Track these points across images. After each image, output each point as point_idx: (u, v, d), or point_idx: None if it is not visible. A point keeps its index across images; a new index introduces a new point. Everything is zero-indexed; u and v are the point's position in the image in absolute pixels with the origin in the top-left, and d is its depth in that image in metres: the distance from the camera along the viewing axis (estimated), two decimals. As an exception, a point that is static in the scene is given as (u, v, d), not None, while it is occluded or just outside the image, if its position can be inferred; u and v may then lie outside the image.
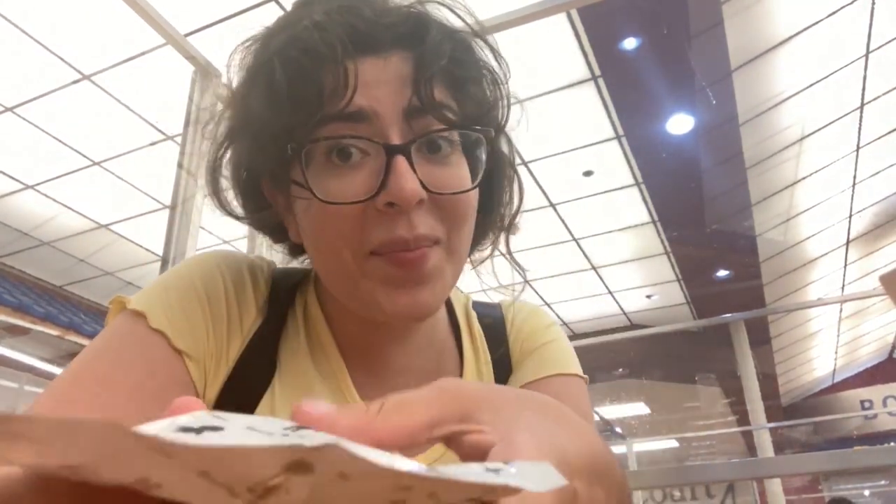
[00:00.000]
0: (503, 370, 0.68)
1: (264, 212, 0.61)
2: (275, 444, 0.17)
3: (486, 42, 0.60)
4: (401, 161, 0.50)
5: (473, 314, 0.71)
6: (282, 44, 0.54)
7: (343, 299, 0.58)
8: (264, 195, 0.61)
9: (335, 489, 0.18)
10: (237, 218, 0.64)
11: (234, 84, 0.59)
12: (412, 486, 0.18)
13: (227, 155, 0.62)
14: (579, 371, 0.67)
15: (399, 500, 0.19)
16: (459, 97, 0.56)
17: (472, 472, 0.19)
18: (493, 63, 0.60)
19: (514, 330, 0.70)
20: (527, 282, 0.66)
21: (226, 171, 0.62)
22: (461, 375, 0.66)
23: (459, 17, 0.58)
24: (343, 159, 0.52)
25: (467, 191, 0.55)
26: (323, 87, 0.51)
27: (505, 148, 0.63)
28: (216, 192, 0.62)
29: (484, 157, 0.57)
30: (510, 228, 0.66)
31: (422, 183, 0.51)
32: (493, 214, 0.64)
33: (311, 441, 0.17)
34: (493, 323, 0.71)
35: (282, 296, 0.64)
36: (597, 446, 0.29)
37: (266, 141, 0.54)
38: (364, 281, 0.54)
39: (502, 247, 0.67)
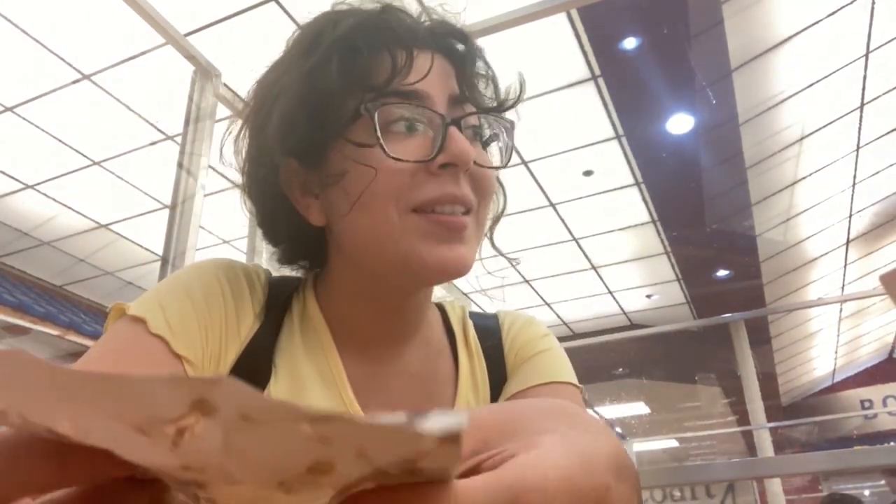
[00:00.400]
0: (498, 378, 0.69)
1: (277, 199, 0.62)
2: (175, 377, 0.17)
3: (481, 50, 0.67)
4: (455, 130, 0.58)
5: (470, 323, 0.73)
6: (352, 25, 0.60)
7: (379, 261, 0.59)
8: (277, 184, 0.62)
9: (246, 437, 0.18)
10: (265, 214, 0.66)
11: (280, 67, 0.63)
12: (331, 438, 0.18)
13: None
14: (574, 380, 0.68)
15: (325, 459, 0.19)
16: (484, 93, 0.65)
17: (387, 418, 0.19)
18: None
19: (509, 339, 0.71)
20: (516, 269, 0.69)
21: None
22: (456, 381, 0.68)
23: (459, 27, 0.65)
24: (403, 128, 0.58)
25: (500, 167, 0.63)
26: (396, 62, 0.58)
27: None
28: (268, 174, 0.63)
29: (508, 143, 0.64)
30: (497, 222, 0.70)
31: None
32: (494, 206, 0.68)
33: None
34: (489, 332, 0.72)
35: (278, 301, 0.65)
36: (615, 445, 0.30)
37: (333, 105, 0.58)
38: (405, 236, 0.57)
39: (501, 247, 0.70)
